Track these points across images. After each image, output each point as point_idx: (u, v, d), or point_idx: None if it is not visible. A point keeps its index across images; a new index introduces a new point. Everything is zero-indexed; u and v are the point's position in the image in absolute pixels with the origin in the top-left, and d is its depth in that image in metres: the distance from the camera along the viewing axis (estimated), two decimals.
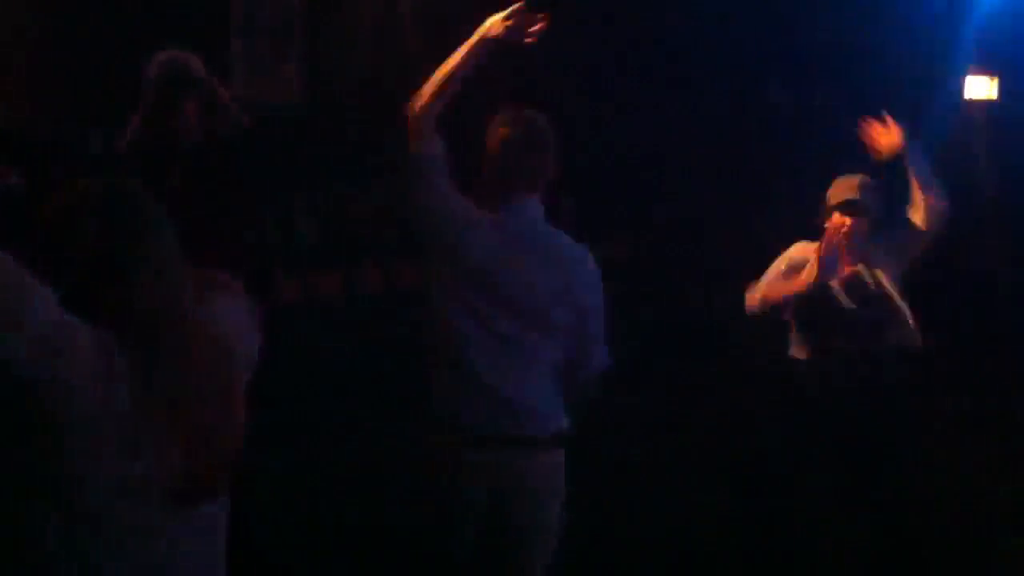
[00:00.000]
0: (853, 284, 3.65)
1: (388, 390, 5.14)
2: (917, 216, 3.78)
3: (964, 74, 8.42)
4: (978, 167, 8.57)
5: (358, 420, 5.19)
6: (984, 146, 8.59)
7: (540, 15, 2.61)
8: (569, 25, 7.31)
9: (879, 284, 3.66)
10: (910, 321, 3.66)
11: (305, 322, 5.78)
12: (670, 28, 7.59)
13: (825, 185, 3.93)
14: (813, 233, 3.69)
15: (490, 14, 2.59)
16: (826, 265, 3.51)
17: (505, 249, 2.59)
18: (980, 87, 8.44)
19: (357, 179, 6.02)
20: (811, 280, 3.52)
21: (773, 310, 3.73)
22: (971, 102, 8.47)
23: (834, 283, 3.63)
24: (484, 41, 2.62)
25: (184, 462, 1.64)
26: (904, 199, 3.86)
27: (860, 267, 3.68)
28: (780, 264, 3.77)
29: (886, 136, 3.76)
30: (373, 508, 4.37)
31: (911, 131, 3.82)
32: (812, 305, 3.62)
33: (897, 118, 3.84)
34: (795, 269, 3.66)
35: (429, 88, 2.65)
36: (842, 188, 3.72)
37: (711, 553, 4.30)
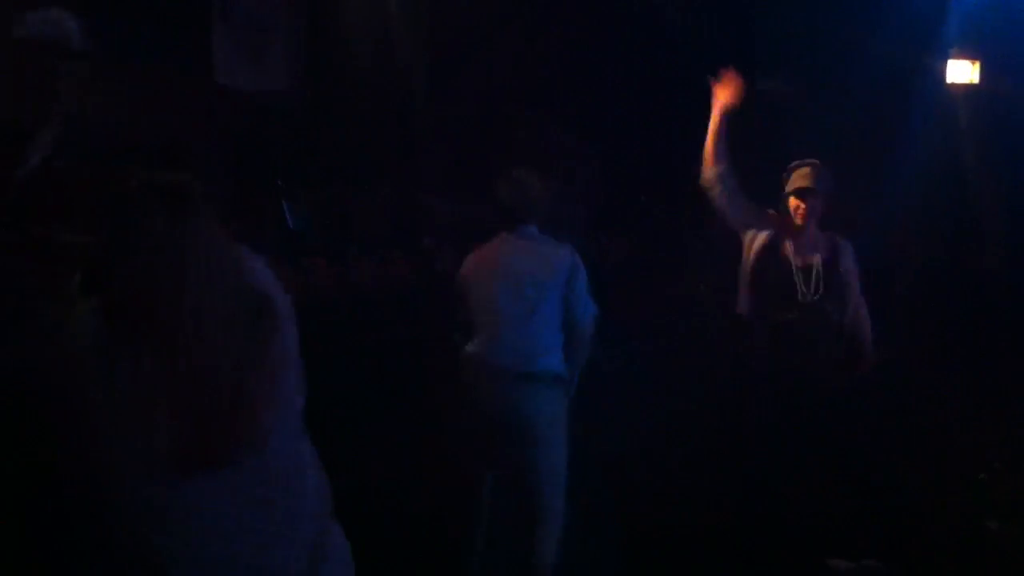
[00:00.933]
0: (809, 271, 3.98)
1: (381, 383, 5.13)
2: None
3: (947, 59, 8.45)
4: (960, 152, 8.61)
5: (352, 417, 5.17)
6: (966, 131, 8.62)
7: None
8: (561, 22, 7.32)
9: (833, 277, 3.98)
10: (861, 320, 4.03)
11: (303, 314, 5.72)
12: (661, 20, 7.59)
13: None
14: None
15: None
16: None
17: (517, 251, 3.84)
18: (962, 72, 8.47)
19: (346, 169, 5.99)
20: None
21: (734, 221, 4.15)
22: (953, 86, 8.50)
23: (796, 264, 3.99)
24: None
25: (192, 434, 1.71)
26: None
27: (817, 259, 4.00)
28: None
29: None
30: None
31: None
32: (768, 274, 4.00)
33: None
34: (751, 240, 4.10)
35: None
36: (797, 174, 4.06)
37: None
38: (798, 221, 4.03)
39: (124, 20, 5.07)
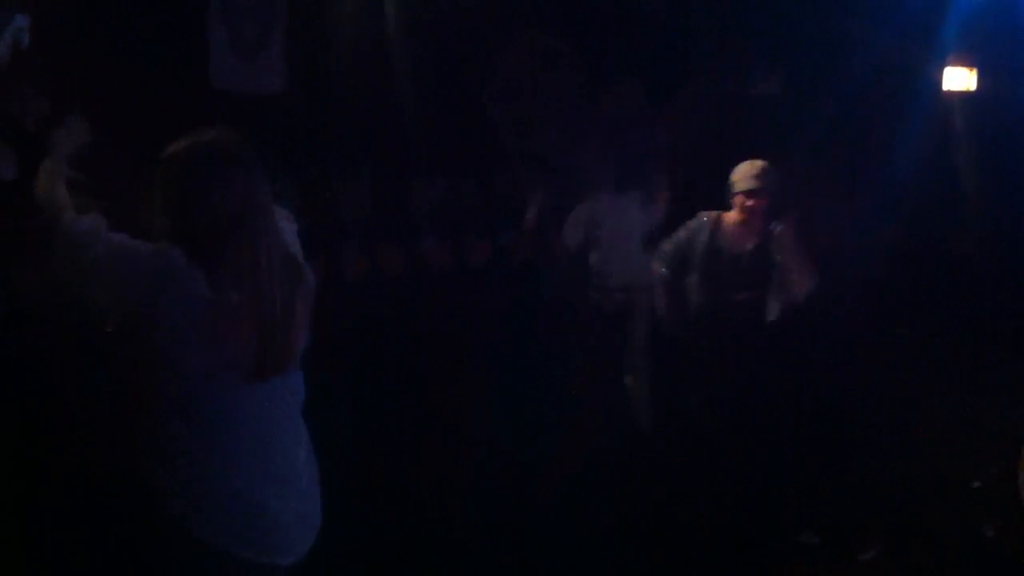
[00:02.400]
0: (752, 255, 4.44)
1: (372, 376, 5.12)
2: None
3: (943, 66, 8.46)
4: (956, 159, 8.61)
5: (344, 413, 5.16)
6: (963, 138, 8.63)
7: None
8: (549, 19, 7.32)
9: (770, 258, 4.43)
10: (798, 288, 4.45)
11: None
12: (653, 20, 7.57)
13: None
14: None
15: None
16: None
17: None
18: (959, 79, 8.48)
19: (341, 167, 5.97)
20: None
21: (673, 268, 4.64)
22: (950, 93, 8.50)
23: (743, 249, 4.44)
24: None
25: (258, 347, 2.11)
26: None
27: (751, 246, 4.45)
28: (681, 232, 4.63)
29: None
30: None
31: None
32: (717, 262, 4.49)
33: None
34: (694, 232, 4.56)
35: None
36: (744, 174, 4.37)
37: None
38: (744, 217, 4.40)
39: (119, 22, 5.06)
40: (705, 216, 4.63)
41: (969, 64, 8.45)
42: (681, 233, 4.65)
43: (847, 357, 6.17)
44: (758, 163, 4.39)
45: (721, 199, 4.62)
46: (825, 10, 7.64)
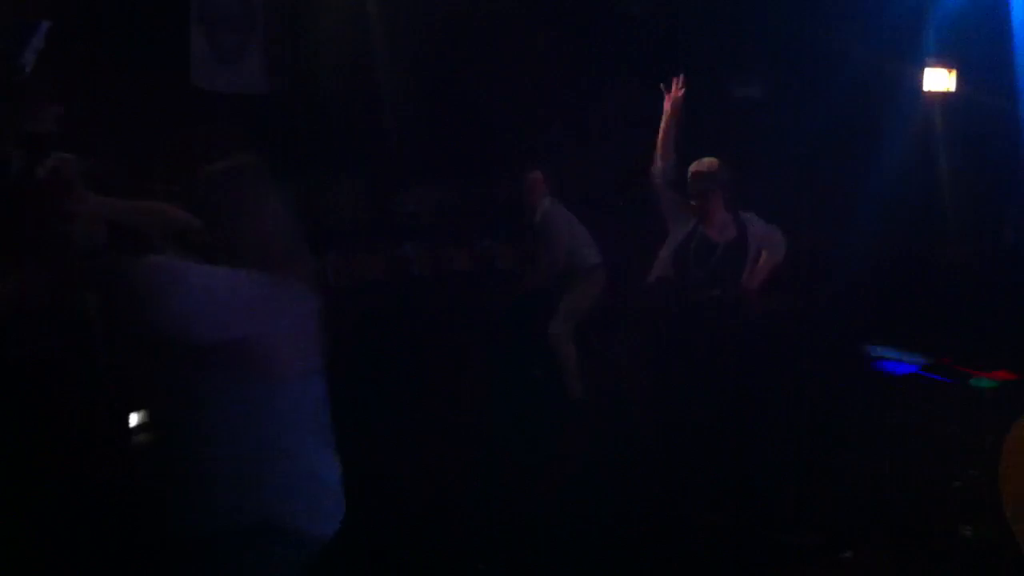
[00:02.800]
0: (722, 248, 4.66)
1: (361, 376, 5.11)
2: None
3: (923, 67, 8.51)
4: (936, 159, 8.67)
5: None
6: (942, 138, 8.69)
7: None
8: (537, 22, 7.31)
9: (741, 251, 4.69)
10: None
11: None
12: (638, 23, 7.59)
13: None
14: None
15: None
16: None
17: None
18: (939, 80, 8.54)
19: (324, 169, 5.96)
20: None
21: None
22: (930, 94, 8.56)
23: (711, 243, 4.65)
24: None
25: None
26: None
27: (726, 238, 4.68)
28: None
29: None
30: None
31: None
32: (690, 254, 4.70)
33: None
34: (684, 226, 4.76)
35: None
36: (700, 173, 4.65)
37: None
38: (701, 211, 4.66)
39: (101, 22, 5.03)
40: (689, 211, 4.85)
41: (949, 65, 8.51)
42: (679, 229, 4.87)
43: (824, 357, 6.21)
44: (711, 160, 4.69)
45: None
46: (806, 12, 7.68)
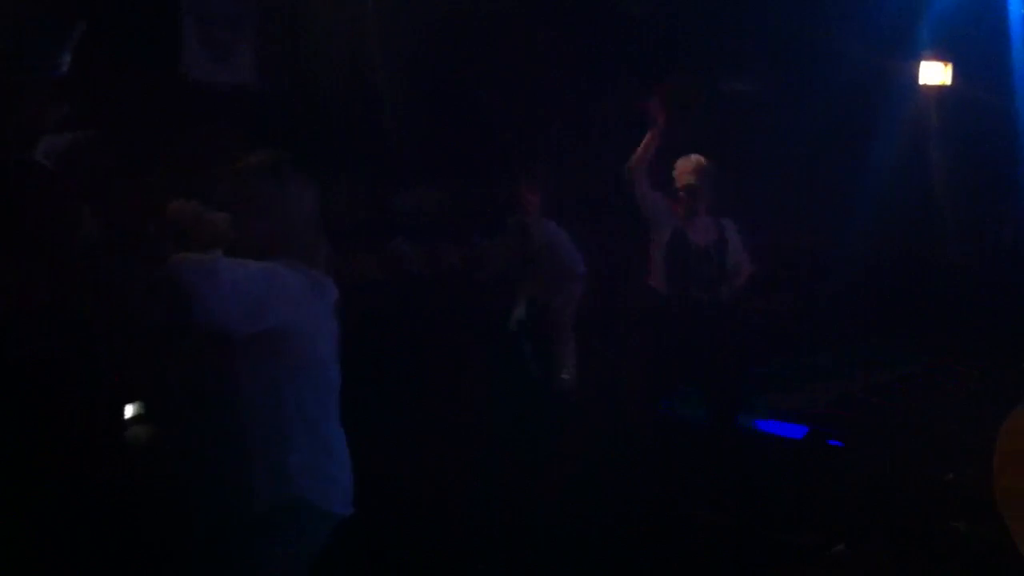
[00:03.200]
0: (705, 250, 4.72)
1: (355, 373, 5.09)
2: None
3: (919, 61, 8.50)
4: (931, 152, 8.67)
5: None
6: (937, 132, 8.68)
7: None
8: (528, 19, 7.28)
9: (725, 254, 4.74)
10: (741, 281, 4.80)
11: None
12: (630, 20, 7.57)
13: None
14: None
15: None
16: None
17: None
18: (934, 73, 8.52)
19: (315, 164, 5.93)
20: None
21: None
22: (925, 88, 8.55)
23: (697, 243, 4.70)
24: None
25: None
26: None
27: (710, 240, 4.73)
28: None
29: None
30: None
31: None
32: (676, 255, 4.75)
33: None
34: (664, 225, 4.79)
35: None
36: (684, 171, 4.68)
37: None
38: (686, 213, 4.68)
39: (90, 13, 4.99)
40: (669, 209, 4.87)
41: (944, 59, 8.50)
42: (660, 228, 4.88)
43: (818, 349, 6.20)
44: (695, 158, 4.70)
45: None
46: (802, 7, 7.67)
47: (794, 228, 7.79)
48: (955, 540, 4.27)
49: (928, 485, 4.81)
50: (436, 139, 6.31)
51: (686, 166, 4.70)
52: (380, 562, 3.86)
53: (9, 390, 3.27)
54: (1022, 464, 2.90)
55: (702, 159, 4.72)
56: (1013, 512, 3.22)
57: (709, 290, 4.73)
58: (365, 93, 6.02)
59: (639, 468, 4.78)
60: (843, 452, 5.19)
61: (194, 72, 5.52)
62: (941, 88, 8.54)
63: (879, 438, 5.39)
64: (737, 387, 4.87)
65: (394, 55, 6.02)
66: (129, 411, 3.60)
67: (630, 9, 7.49)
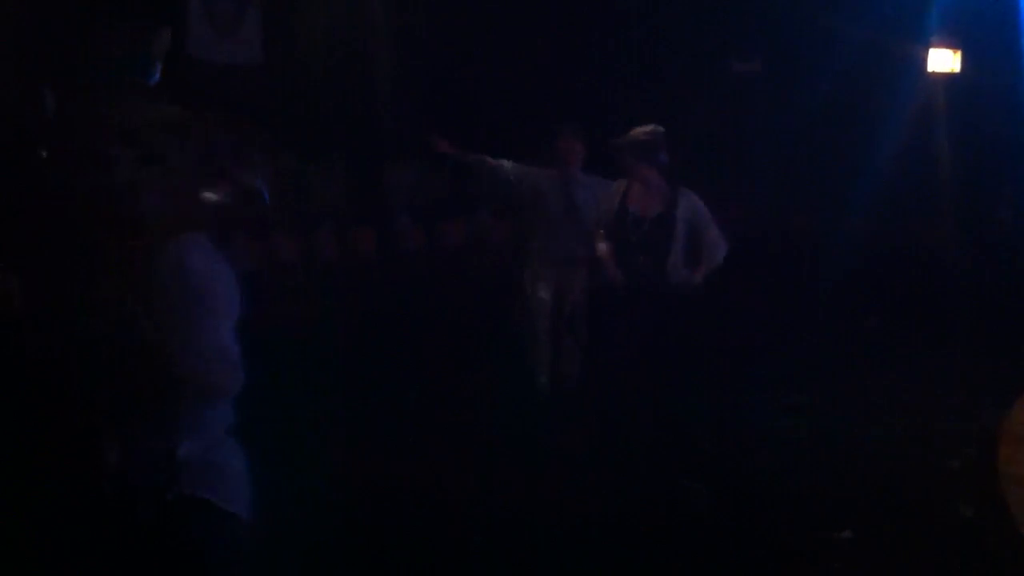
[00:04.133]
0: (653, 222, 4.56)
1: (345, 354, 5.09)
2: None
3: (928, 47, 8.45)
4: (939, 139, 8.63)
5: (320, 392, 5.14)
6: (946, 119, 8.65)
7: None
8: (527, 3, 7.26)
9: (667, 222, 4.58)
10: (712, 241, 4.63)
11: (264, 286, 5.69)
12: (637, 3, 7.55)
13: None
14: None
15: None
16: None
17: None
18: (943, 60, 8.48)
19: (318, 141, 5.93)
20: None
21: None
22: (934, 74, 8.51)
23: (637, 215, 4.58)
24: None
25: None
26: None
27: (654, 209, 4.58)
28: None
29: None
30: None
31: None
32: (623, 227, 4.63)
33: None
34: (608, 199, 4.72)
35: None
36: (634, 142, 4.51)
37: None
38: (638, 182, 4.54)
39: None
40: (617, 183, 4.75)
41: (953, 46, 8.46)
42: (602, 201, 4.82)
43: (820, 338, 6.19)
44: (648, 130, 4.55)
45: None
46: None
47: (797, 214, 7.78)
48: (959, 524, 4.26)
49: (931, 471, 4.80)
50: (435, 115, 6.28)
51: (635, 136, 4.57)
52: (380, 562, 3.85)
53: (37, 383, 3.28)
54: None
55: (653, 130, 4.58)
56: (1016, 496, 3.21)
57: (648, 270, 4.56)
58: (366, 71, 6.00)
59: (638, 463, 4.74)
60: (845, 441, 5.17)
61: (196, 46, 5.52)
62: (950, 75, 8.50)
63: (879, 427, 5.38)
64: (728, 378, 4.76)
65: (401, 30, 6.00)
66: None
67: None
